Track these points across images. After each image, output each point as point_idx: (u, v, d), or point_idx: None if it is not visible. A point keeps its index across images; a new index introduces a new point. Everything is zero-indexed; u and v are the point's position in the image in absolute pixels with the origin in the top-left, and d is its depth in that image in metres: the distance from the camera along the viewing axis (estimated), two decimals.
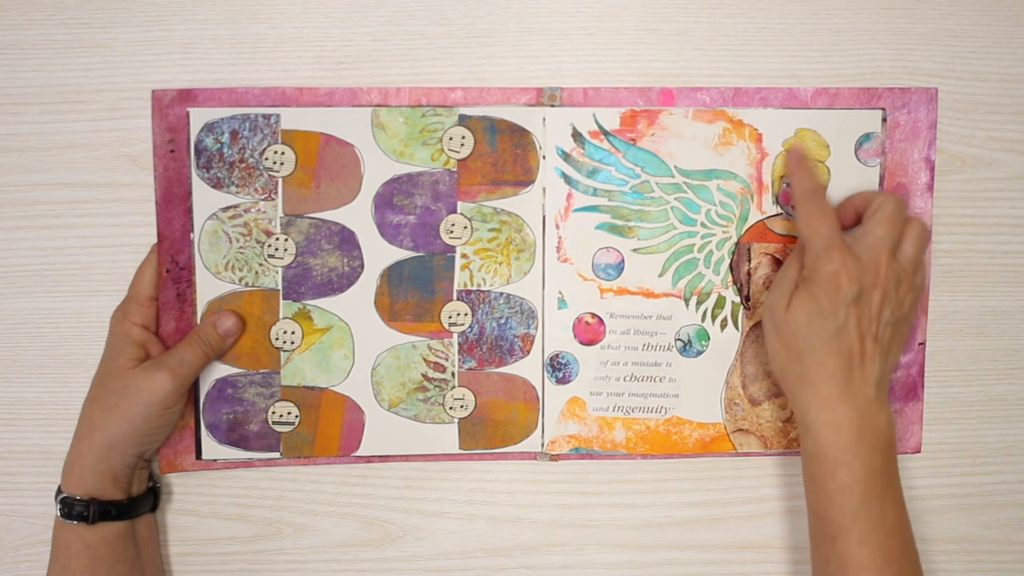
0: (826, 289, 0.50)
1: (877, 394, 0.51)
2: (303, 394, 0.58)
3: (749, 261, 0.58)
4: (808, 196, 0.53)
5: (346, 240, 0.57)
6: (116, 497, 0.53)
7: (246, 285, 0.57)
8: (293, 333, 0.57)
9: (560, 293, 0.58)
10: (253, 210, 0.57)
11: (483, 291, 0.58)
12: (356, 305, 0.57)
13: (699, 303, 0.58)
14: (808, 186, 0.53)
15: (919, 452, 0.60)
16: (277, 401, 0.58)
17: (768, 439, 0.59)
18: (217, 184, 0.56)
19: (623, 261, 0.58)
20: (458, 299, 0.58)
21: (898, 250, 0.52)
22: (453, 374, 0.58)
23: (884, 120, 0.58)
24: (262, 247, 0.57)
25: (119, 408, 0.52)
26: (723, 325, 0.59)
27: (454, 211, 0.57)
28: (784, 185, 0.58)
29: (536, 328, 0.58)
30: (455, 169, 0.57)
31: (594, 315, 0.58)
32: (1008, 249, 0.60)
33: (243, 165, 0.56)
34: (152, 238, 0.56)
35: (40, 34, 0.56)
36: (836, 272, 0.50)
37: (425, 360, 0.58)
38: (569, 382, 0.59)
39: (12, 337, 0.58)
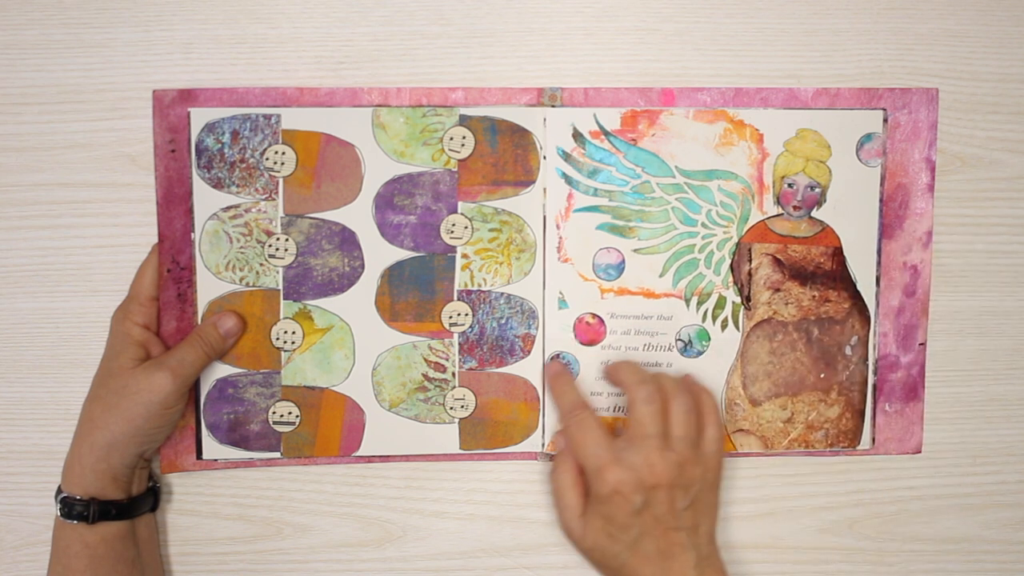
0: (611, 508, 0.51)
1: (700, 573, 0.52)
2: (304, 394, 0.58)
3: (750, 261, 0.58)
4: (571, 414, 0.54)
5: (347, 240, 0.57)
6: (116, 497, 0.53)
7: (247, 285, 0.57)
8: (294, 333, 0.57)
9: (561, 293, 0.58)
10: (254, 210, 0.57)
11: (484, 291, 0.58)
12: (357, 305, 0.57)
13: (700, 303, 0.58)
14: (569, 402, 0.55)
15: (919, 452, 0.60)
16: (278, 401, 0.58)
17: (768, 439, 0.59)
18: (218, 184, 0.56)
19: (624, 261, 0.58)
20: (459, 299, 0.58)
21: (669, 436, 0.52)
22: (454, 374, 0.58)
23: (885, 120, 0.58)
24: (263, 247, 0.57)
25: (120, 408, 0.52)
26: (724, 325, 0.59)
27: (455, 211, 0.57)
28: (786, 186, 0.58)
29: (537, 328, 0.58)
30: (456, 169, 0.57)
31: (595, 315, 0.58)
32: (1008, 249, 0.60)
33: (244, 165, 0.56)
34: (152, 238, 0.56)
35: (40, 34, 0.56)
36: (615, 491, 0.51)
37: (426, 360, 0.58)
38: None
39: (12, 337, 0.58)
